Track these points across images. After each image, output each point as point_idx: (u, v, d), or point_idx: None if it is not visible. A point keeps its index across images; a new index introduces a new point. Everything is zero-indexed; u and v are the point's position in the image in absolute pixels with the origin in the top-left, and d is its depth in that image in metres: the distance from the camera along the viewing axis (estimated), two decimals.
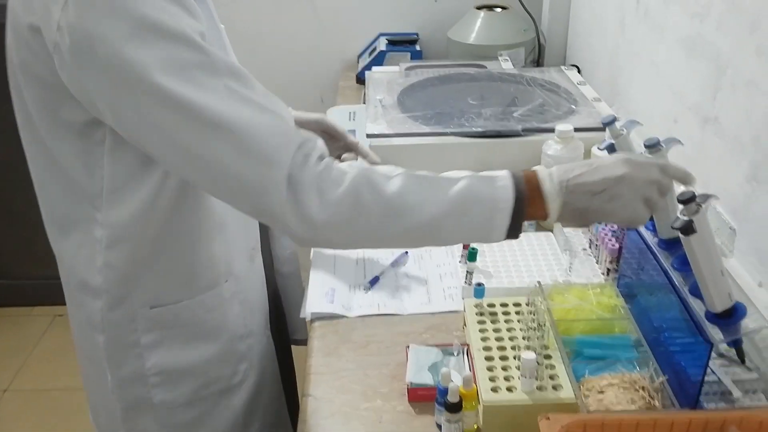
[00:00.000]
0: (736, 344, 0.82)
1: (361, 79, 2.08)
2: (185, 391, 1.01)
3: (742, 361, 0.84)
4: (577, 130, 1.29)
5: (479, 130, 1.34)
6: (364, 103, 1.75)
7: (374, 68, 1.88)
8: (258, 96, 0.80)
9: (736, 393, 0.84)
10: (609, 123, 0.92)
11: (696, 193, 0.76)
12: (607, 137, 0.95)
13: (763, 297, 0.99)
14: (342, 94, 2.07)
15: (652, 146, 0.90)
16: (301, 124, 1.13)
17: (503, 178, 0.83)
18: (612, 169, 0.82)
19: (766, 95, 1.00)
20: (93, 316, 0.97)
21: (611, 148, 0.93)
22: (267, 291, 1.14)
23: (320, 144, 0.84)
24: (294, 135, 0.81)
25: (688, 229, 0.74)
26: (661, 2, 1.37)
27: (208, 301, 0.99)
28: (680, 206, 0.76)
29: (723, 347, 0.86)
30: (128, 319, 0.96)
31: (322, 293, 1.16)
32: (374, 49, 2.16)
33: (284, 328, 1.26)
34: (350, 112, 1.61)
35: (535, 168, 0.86)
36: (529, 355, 0.87)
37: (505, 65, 1.82)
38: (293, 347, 1.33)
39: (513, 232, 0.83)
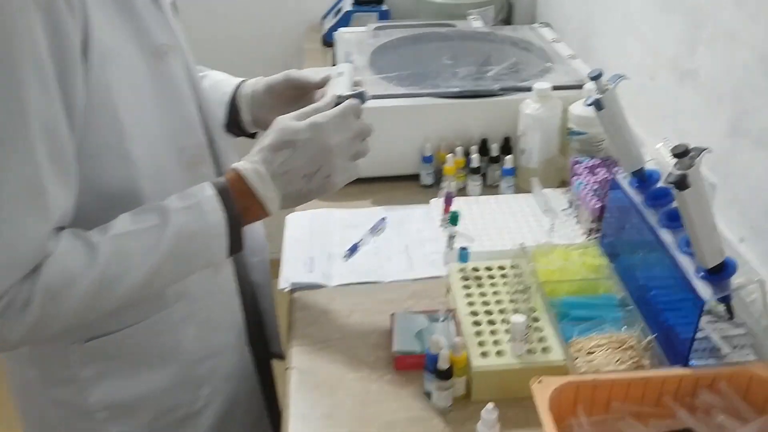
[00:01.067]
0: (725, 300, 0.82)
1: (328, 41, 2.03)
2: (140, 423, 0.91)
3: (732, 317, 0.84)
4: (554, 88, 1.26)
5: (456, 90, 1.31)
6: (334, 65, 1.70)
7: (341, 29, 1.82)
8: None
9: (725, 349, 0.84)
10: (596, 77, 0.90)
11: (689, 147, 0.74)
12: (592, 92, 0.92)
13: (745, 252, 0.99)
14: (309, 57, 2.01)
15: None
16: (271, 87, 1.04)
17: (209, 201, 0.80)
18: (315, 143, 0.83)
19: (746, 47, 0.98)
20: (20, 349, 0.88)
21: (598, 104, 0.90)
22: (244, 302, 1.01)
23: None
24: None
25: (682, 183, 0.72)
26: None
27: (154, 326, 0.88)
28: (674, 160, 0.74)
29: (711, 303, 0.86)
30: (60, 354, 0.86)
31: (300, 262, 1.13)
32: (339, 10, 2.10)
33: (265, 341, 1.14)
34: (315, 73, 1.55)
35: (238, 167, 0.83)
36: (519, 318, 0.85)
37: (476, 24, 1.78)
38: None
39: (235, 247, 0.83)
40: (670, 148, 0.74)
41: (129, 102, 0.78)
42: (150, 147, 0.81)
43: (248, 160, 0.84)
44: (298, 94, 1.03)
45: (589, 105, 0.91)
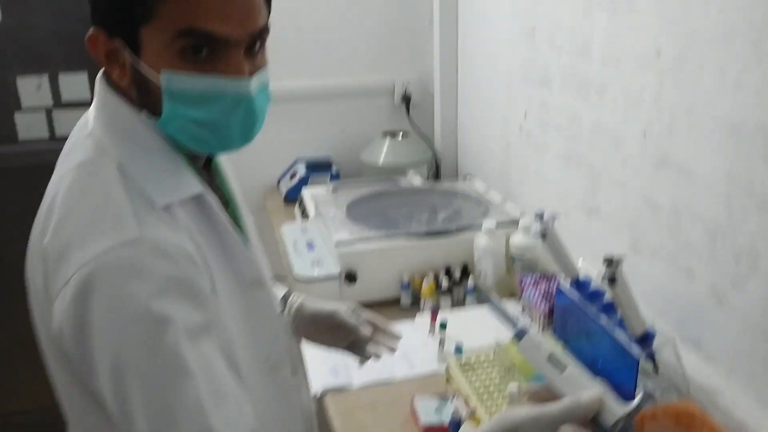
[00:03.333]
0: (652, 358, 1.20)
1: (289, 199, 2.40)
2: None
3: (657, 371, 1.22)
4: (497, 225, 1.68)
5: (424, 231, 1.70)
6: (304, 217, 2.07)
7: (304, 189, 2.21)
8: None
9: (657, 394, 1.21)
10: (540, 216, 1.31)
11: (613, 257, 1.14)
12: (537, 228, 1.33)
13: (657, 326, 1.39)
14: (273, 214, 2.36)
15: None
16: (314, 317, 1.20)
17: None
18: None
19: (633, 193, 1.44)
20: None
21: (543, 235, 1.31)
22: None
23: None
24: None
25: (612, 280, 1.12)
26: (540, 129, 1.83)
27: None
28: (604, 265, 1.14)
29: (642, 363, 1.23)
30: None
31: (324, 371, 1.42)
32: (295, 173, 2.49)
33: None
34: (301, 228, 1.91)
35: None
36: (513, 386, 1.19)
37: (415, 180, 2.23)
38: None
39: None
40: (603, 257, 1.14)
41: (232, 326, 0.89)
42: (245, 360, 0.91)
43: None
44: (340, 331, 1.19)
45: (537, 236, 1.31)
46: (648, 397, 0.89)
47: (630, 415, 0.81)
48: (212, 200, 0.90)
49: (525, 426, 0.79)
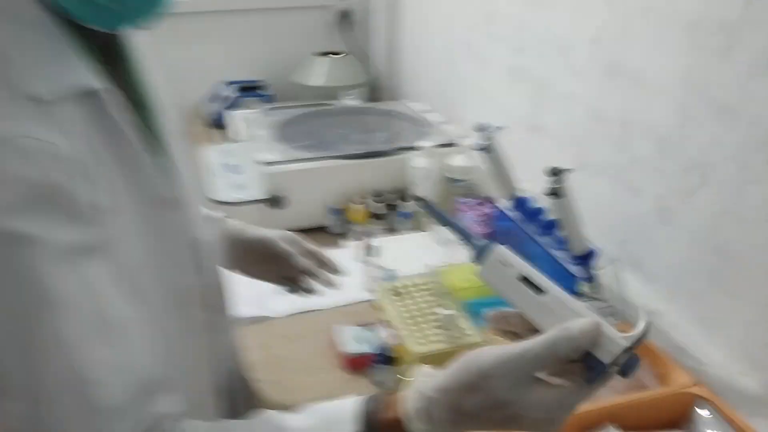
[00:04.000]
0: (591, 279, 1.11)
1: (215, 122, 2.22)
2: None
3: (597, 291, 1.13)
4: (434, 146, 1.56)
5: (357, 152, 1.57)
6: (233, 140, 1.91)
7: (233, 111, 2.04)
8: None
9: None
10: (482, 129, 1.19)
11: (560, 168, 1.03)
12: (479, 140, 1.21)
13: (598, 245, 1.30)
14: (197, 138, 2.18)
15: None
16: (247, 244, 1.07)
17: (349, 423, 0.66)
18: (528, 411, 0.60)
19: (580, 105, 1.33)
20: None
21: (486, 149, 1.19)
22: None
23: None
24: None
25: (557, 193, 1.01)
26: (486, 42, 1.70)
27: None
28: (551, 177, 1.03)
29: (584, 288, 1.14)
30: None
31: (249, 298, 1.29)
32: (222, 96, 2.30)
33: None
34: (227, 150, 1.76)
35: (406, 397, 0.66)
36: (447, 311, 1.09)
37: (352, 102, 2.08)
38: None
39: None
40: (549, 169, 1.03)
41: (134, 250, 0.75)
42: (150, 290, 0.77)
43: (423, 404, 0.65)
44: (276, 262, 1.06)
45: (479, 150, 1.19)
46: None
47: (632, 347, 0.60)
48: (112, 99, 0.72)
49: (497, 372, 0.60)
